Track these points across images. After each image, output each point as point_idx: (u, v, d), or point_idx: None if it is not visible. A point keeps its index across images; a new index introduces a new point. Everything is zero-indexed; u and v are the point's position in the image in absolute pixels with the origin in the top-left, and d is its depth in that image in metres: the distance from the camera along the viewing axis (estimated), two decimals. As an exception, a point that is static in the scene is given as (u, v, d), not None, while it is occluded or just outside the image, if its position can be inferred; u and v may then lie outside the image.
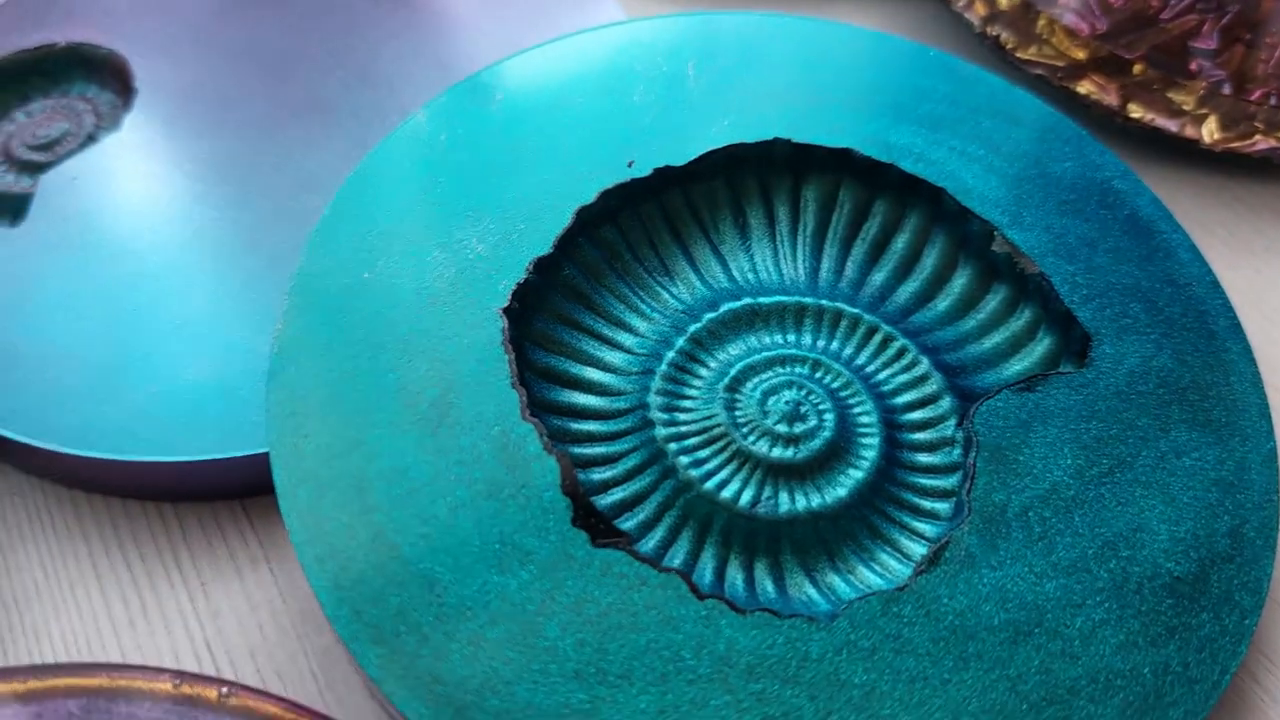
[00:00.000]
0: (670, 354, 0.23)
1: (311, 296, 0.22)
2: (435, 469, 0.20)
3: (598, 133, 0.25)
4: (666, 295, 0.24)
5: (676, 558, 0.21)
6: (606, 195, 0.24)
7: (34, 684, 0.19)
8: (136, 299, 0.24)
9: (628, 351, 0.23)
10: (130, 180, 0.27)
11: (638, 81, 0.26)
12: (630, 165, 0.24)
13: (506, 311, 0.22)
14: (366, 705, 0.21)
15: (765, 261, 0.25)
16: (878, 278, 0.25)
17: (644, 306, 0.24)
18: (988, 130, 0.25)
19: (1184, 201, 0.28)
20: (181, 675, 0.19)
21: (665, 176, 0.24)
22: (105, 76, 0.30)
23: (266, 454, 0.22)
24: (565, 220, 0.23)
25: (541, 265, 0.23)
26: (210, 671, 0.21)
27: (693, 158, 0.24)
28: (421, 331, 0.22)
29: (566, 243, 0.23)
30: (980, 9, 0.29)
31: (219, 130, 0.27)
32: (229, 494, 0.23)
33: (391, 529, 0.19)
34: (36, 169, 0.28)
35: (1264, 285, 0.26)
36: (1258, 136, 0.27)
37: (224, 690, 0.19)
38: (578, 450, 0.22)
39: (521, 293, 0.22)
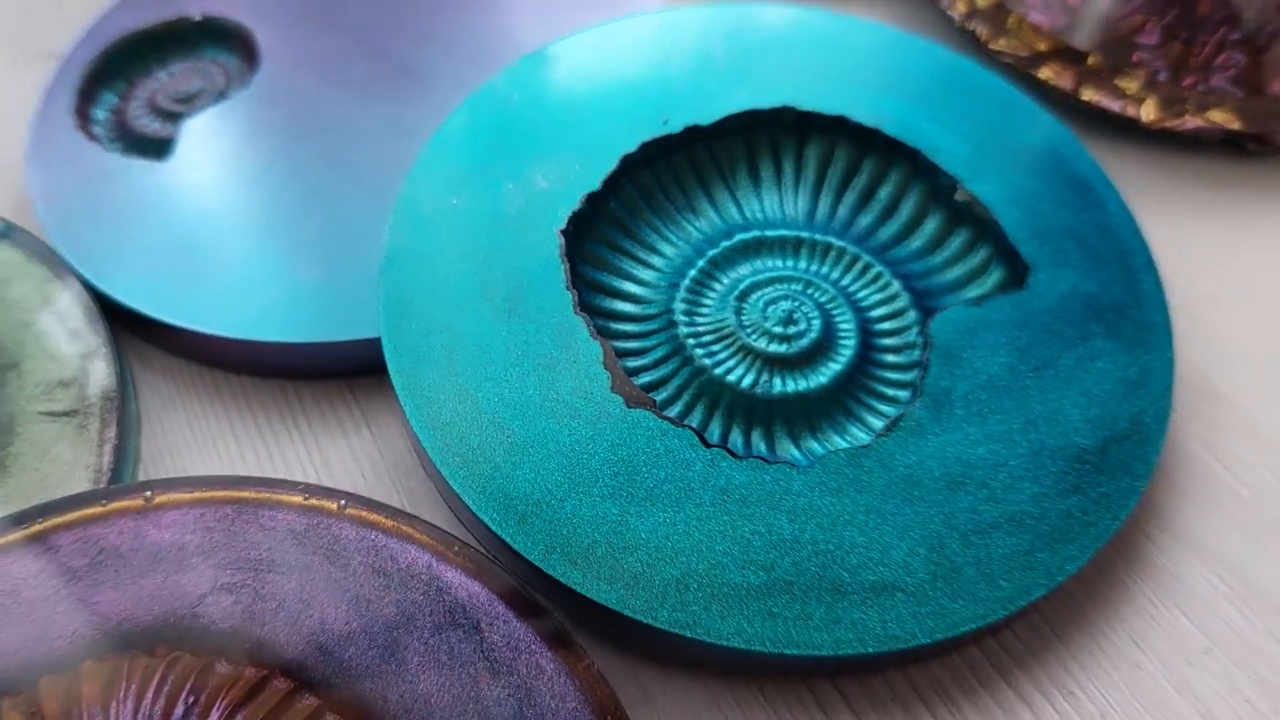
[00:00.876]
0: (692, 271, 0.28)
1: (412, 215, 0.28)
2: (507, 346, 0.26)
3: (641, 96, 0.30)
4: (690, 228, 0.30)
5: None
6: (646, 146, 0.29)
7: (199, 494, 0.25)
8: (266, 217, 0.30)
9: (658, 270, 0.29)
10: (257, 127, 0.33)
11: (675, 57, 0.31)
12: (665, 123, 0.30)
13: (563, 233, 0.28)
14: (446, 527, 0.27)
15: (772, 204, 0.30)
16: (864, 220, 0.30)
17: (672, 236, 0.29)
18: (960, 104, 0.31)
19: (1125, 169, 0.33)
20: (310, 489, 0.25)
21: (693, 133, 0.30)
22: (233, 44, 0.36)
23: (370, 339, 0.28)
24: (612, 164, 0.29)
25: (592, 199, 0.28)
26: (323, 506, 0.27)
27: (716, 119, 0.30)
28: (497, 245, 0.27)
29: (612, 182, 0.29)
30: (961, 6, 0.34)
31: (330, 90, 0.33)
32: (338, 373, 0.29)
33: (473, 387, 0.25)
34: (178, 118, 0.34)
35: (1183, 234, 0.32)
36: (1187, 116, 0.32)
37: (341, 502, 0.25)
38: (616, 344, 0.27)
39: (575, 220, 0.28)
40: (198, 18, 0.36)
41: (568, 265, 0.27)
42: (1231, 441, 0.28)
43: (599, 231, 0.29)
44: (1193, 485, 0.27)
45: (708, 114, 0.30)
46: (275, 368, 0.29)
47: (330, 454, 0.28)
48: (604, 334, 0.27)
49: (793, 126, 0.31)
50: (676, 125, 0.30)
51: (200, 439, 0.29)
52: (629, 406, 0.25)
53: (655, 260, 0.29)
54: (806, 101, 0.31)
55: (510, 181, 0.28)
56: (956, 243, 0.30)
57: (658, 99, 0.30)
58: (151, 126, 0.34)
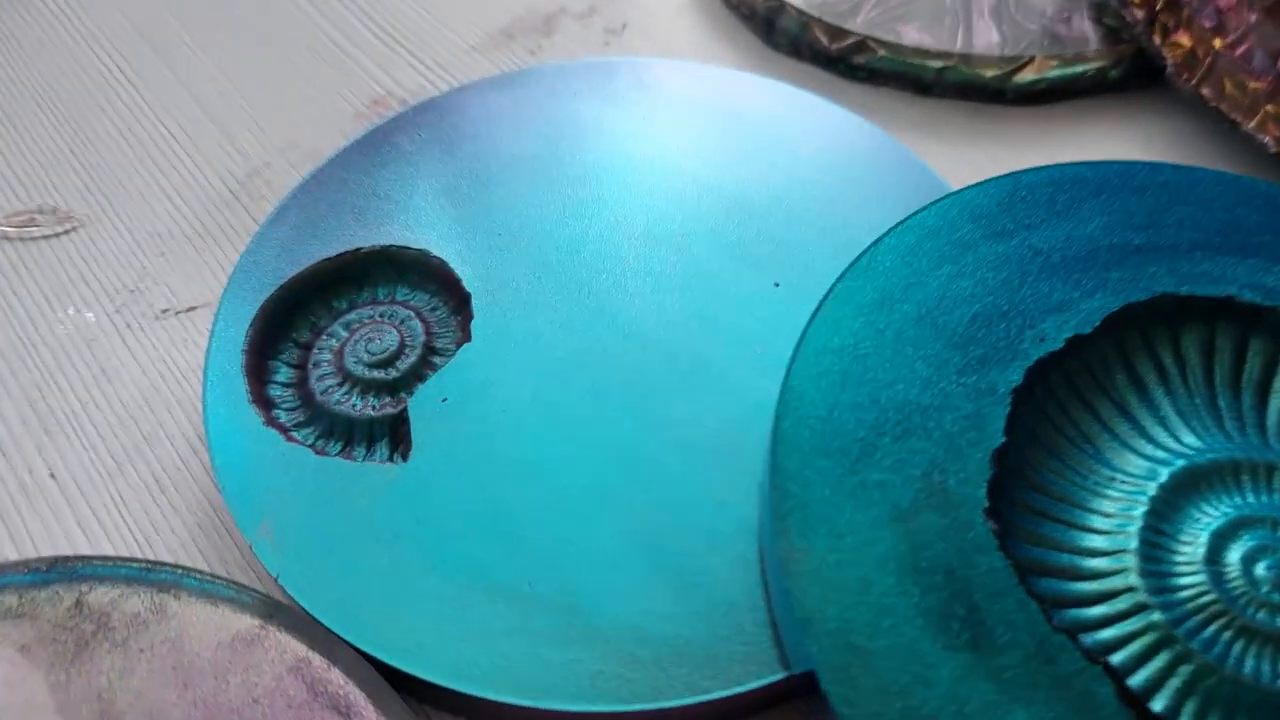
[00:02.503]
0: (1133, 528, 0.23)
1: (805, 526, 0.22)
2: (990, 694, 0.20)
3: (989, 314, 0.25)
4: (1099, 467, 0.24)
5: (1205, 744, 0.21)
6: (1029, 373, 0.24)
7: None
8: (565, 528, 0.24)
9: (1092, 531, 0.23)
10: (507, 396, 0.26)
11: (1007, 256, 0.26)
12: (1041, 340, 0.24)
13: (988, 512, 0.22)
14: None
15: (1172, 418, 0.25)
16: (1272, 418, 0.25)
17: (1082, 481, 0.24)
18: (1346, 261, 0.26)
19: None
20: None
21: (1074, 344, 0.25)
22: (415, 278, 0.29)
23: (749, 690, 0.22)
24: (1002, 405, 0.23)
25: (998, 456, 0.23)
26: None
27: (1096, 323, 0.25)
28: (920, 546, 0.22)
29: (1010, 429, 0.23)
30: (1274, 129, 0.30)
31: (571, 329, 0.27)
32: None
33: (973, 763, 0.19)
34: (381, 388, 0.27)
35: None
36: None
37: None
38: (1084, 639, 0.22)
39: (991, 490, 0.22)
40: (367, 249, 0.29)
41: (1013, 560, 0.21)
42: None
43: (1014, 496, 0.23)
44: None
45: (1072, 318, 0.25)
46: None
47: (733, 838, 0.22)
48: (1068, 630, 0.22)
49: (1164, 317, 0.26)
50: (1057, 340, 0.24)
51: (552, 841, 0.22)
52: (1173, 756, 0.20)
53: (1082, 518, 0.23)
54: (1173, 283, 0.25)
55: (891, 457, 0.23)
56: (1389, 428, 0.25)
57: (1008, 311, 0.25)
58: (350, 404, 0.27)
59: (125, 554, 0.25)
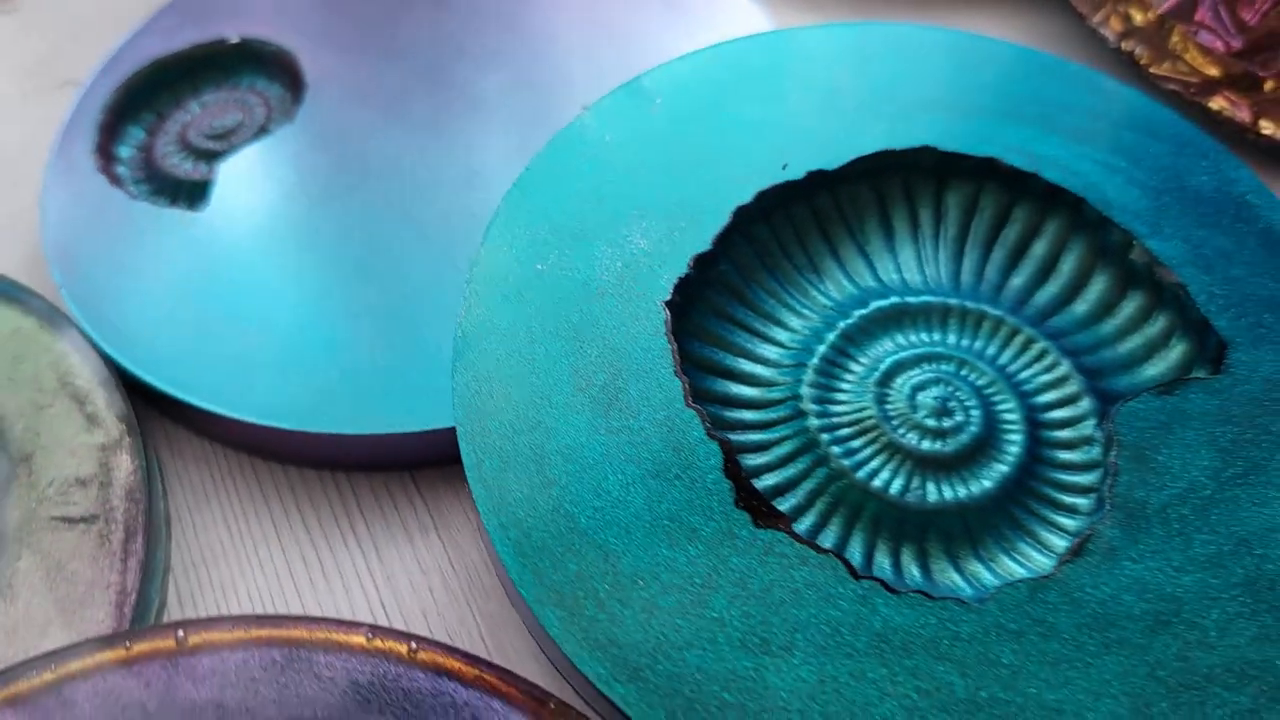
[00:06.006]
0: (821, 348, 0.24)
1: (490, 286, 0.23)
2: (607, 448, 0.22)
3: (754, 137, 0.26)
4: (816, 293, 0.25)
5: (826, 542, 0.22)
6: (762, 196, 0.25)
7: (239, 634, 0.21)
8: (317, 281, 0.26)
9: (780, 345, 0.24)
10: (305, 170, 0.28)
11: (791, 88, 0.27)
12: (784, 168, 0.25)
13: (669, 305, 0.23)
14: (534, 668, 0.22)
15: (909, 263, 0.26)
16: (1017, 281, 0.26)
17: (794, 303, 0.25)
18: (1128, 144, 0.26)
19: (1314, 216, 0.28)
20: (375, 629, 0.21)
21: (818, 179, 0.25)
22: (274, 71, 0.31)
23: (440, 430, 0.24)
24: (724, 219, 0.24)
25: (701, 261, 0.24)
26: (385, 629, 0.23)
27: (845, 163, 0.25)
28: (591, 321, 0.23)
29: (724, 240, 0.24)
30: (1116, 24, 0.30)
31: (387, 127, 0.29)
32: (399, 466, 0.25)
33: (568, 501, 0.21)
34: (213, 157, 0.29)
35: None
36: (1391, 154, 0.28)
37: (412, 645, 0.21)
38: (733, 437, 0.23)
39: (682, 287, 0.24)
40: (234, 40, 0.32)
41: (675, 345, 0.23)
42: None
43: (709, 300, 0.24)
44: None
45: (833, 156, 0.26)
46: (327, 459, 0.25)
47: (392, 564, 0.24)
48: (717, 424, 0.23)
49: (931, 171, 0.26)
50: (798, 170, 0.25)
51: (239, 542, 0.24)
52: (759, 526, 0.21)
53: (777, 333, 0.25)
54: (943, 139, 0.26)
55: (604, 242, 0.24)
56: (1129, 308, 0.25)
57: (773, 139, 0.26)
58: (183, 167, 0.30)
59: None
